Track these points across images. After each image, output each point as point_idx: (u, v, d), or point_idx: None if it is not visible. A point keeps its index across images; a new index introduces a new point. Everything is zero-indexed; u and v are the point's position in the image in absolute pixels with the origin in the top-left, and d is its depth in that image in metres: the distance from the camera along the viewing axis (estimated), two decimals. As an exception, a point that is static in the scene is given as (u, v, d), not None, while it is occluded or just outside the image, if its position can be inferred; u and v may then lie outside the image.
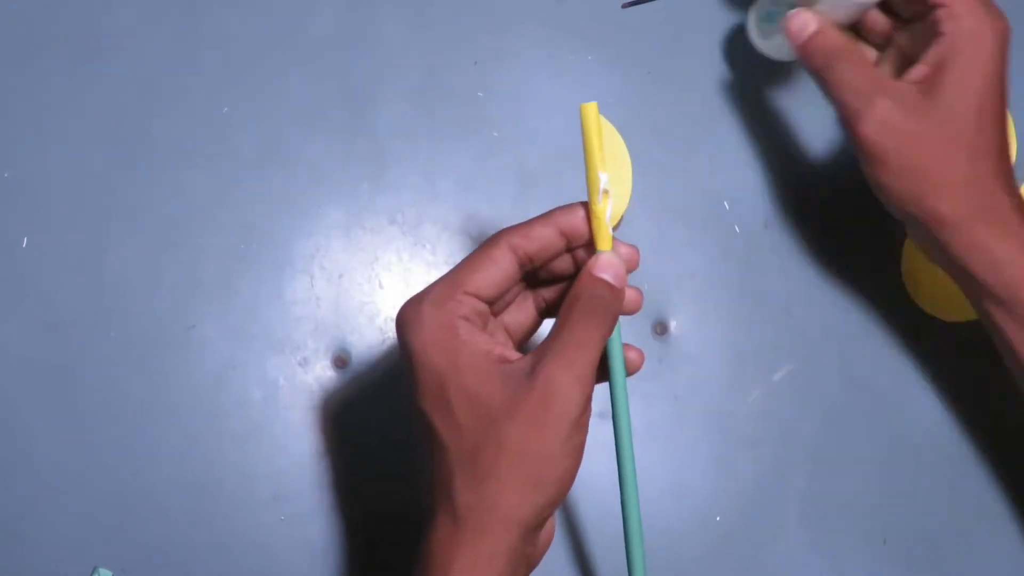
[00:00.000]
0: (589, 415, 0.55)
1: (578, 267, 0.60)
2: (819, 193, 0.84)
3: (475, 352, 0.54)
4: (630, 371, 0.60)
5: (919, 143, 0.63)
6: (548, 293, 0.62)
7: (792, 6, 0.76)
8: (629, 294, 0.59)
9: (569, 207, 0.59)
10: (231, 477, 0.77)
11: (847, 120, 0.64)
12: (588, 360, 0.54)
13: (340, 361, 0.78)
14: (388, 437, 0.77)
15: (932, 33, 0.64)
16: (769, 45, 0.83)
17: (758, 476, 0.79)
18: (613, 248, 0.58)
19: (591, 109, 0.61)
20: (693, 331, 0.81)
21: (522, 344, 0.63)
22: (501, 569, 0.54)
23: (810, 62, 0.66)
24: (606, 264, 0.57)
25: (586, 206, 0.59)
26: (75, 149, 0.80)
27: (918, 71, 0.64)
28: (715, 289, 0.81)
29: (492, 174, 0.82)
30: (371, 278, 0.80)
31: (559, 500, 0.56)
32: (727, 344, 0.81)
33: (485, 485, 0.53)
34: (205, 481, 0.77)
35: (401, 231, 0.81)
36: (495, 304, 0.59)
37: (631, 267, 0.59)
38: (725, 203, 0.83)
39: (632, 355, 0.60)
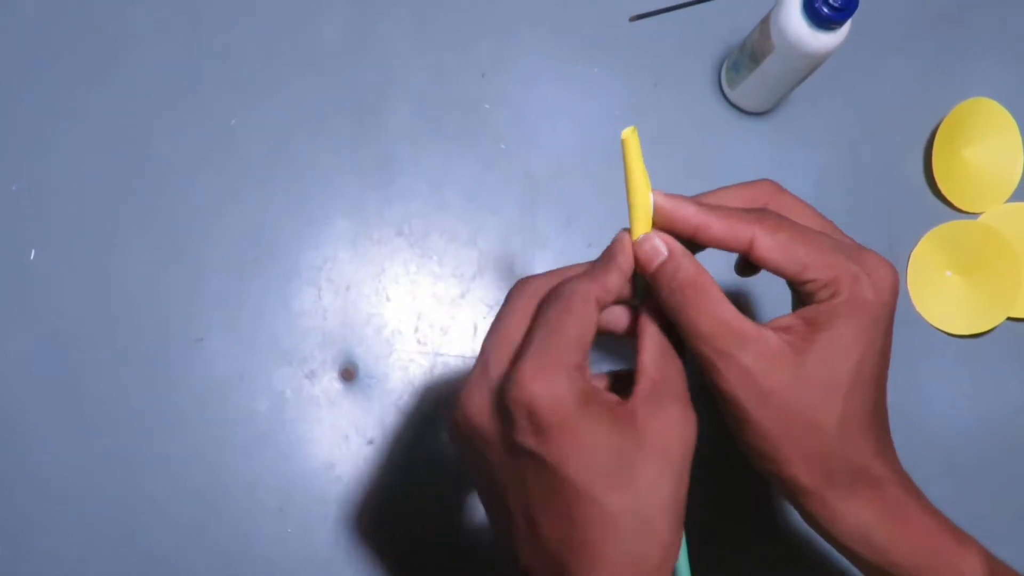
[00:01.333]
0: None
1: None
2: (825, 206, 0.84)
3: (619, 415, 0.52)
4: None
5: (783, 403, 0.53)
6: None
7: (755, 59, 0.77)
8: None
9: (621, 247, 0.56)
10: (237, 488, 0.77)
11: (704, 368, 0.54)
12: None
13: (347, 373, 0.78)
14: (395, 450, 0.77)
15: (812, 296, 0.55)
16: (734, 94, 0.84)
17: (758, 484, 0.79)
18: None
19: (632, 136, 0.57)
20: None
21: None
22: None
23: (661, 295, 0.55)
24: (655, 252, 0.55)
25: (626, 233, 0.57)
26: (82, 161, 0.80)
27: (786, 322, 0.55)
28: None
29: (499, 185, 0.82)
30: (378, 290, 0.80)
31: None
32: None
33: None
34: (211, 492, 0.77)
35: (408, 243, 0.81)
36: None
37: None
38: (732, 215, 0.83)
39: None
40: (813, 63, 0.75)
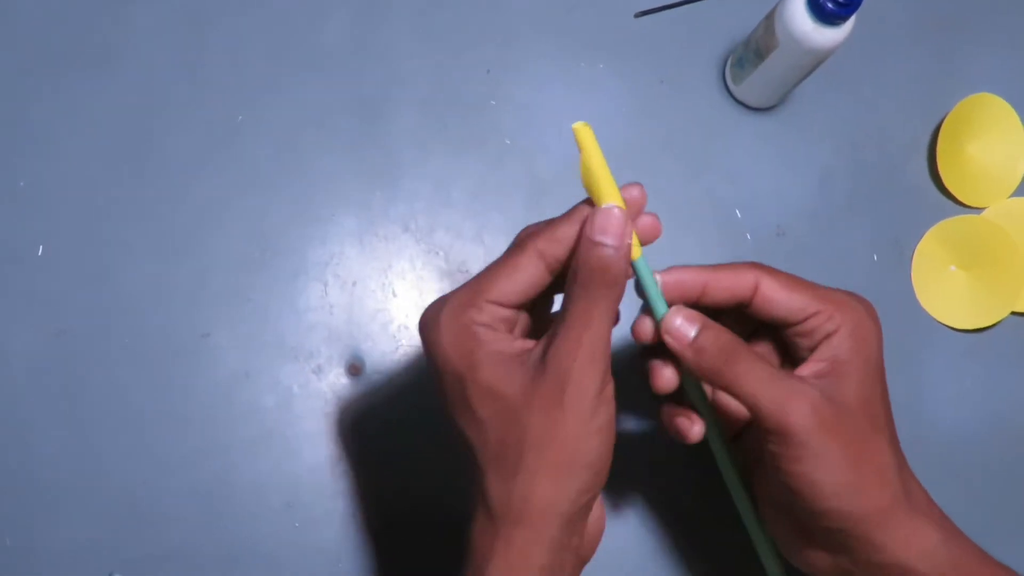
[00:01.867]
0: (610, 389, 0.54)
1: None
2: (830, 201, 0.85)
3: (492, 350, 0.54)
4: (645, 240, 0.58)
5: (843, 431, 0.55)
6: None
7: (759, 55, 0.77)
8: (644, 221, 0.57)
9: (590, 201, 0.56)
10: (244, 484, 0.77)
11: (768, 414, 0.55)
12: (596, 335, 0.53)
13: (354, 369, 0.79)
14: (402, 444, 0.78)
15: (811, 337, 0.58)
16: (738, 90, 0.84)
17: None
18: (610, 200, 0.54)
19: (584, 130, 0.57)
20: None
21: None
22: (543, 561, 0.53)
23: (706, 363, 0.56)
24: (602, 224, 0.53)
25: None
26: (89, 158, 0.80)
27: (811, 368, 0.57)
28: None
29: (504, 182, 0.82)
30: (384, 286, 0.80)
31: (595, 486, 0.55)
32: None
33: (515, 478, 0.53)
34: (218, 488, 0.77)
35: (414, 239, 0.81)
36: (535, 308, 0.58)
37: (637, 210, 0.57)
38: (737, 211, 0.83)
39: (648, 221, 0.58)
40: (817, 59, 0.75)
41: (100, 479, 0.76)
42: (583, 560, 0.58)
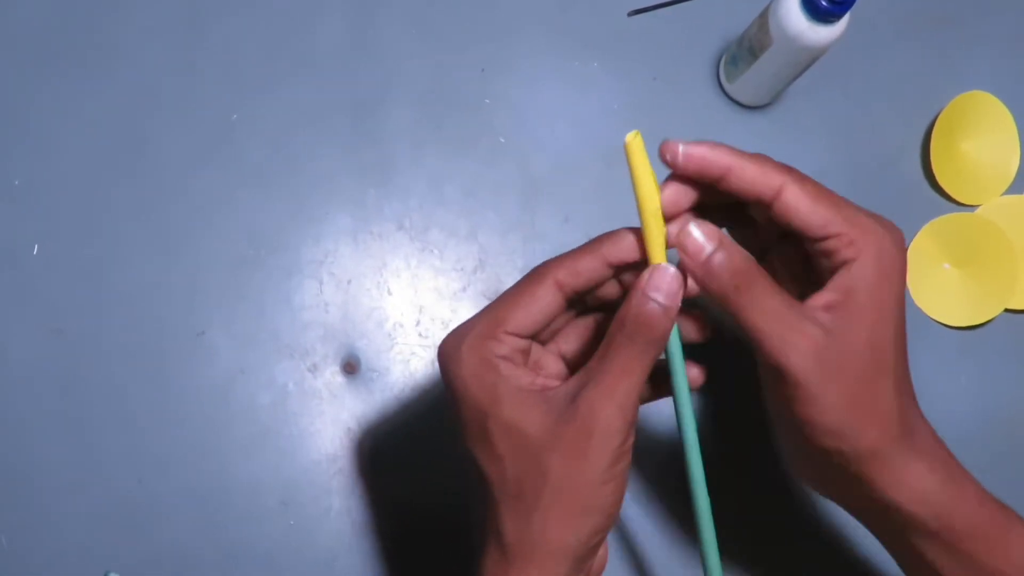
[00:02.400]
0: (632, 441, 0.54)
1: (624, 291, 0.57)
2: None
3: (514, 385, 0.53)
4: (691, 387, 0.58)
5: (844, 373, 0.54)
6: (601, 316, 0.60)
7: (753, 53, 0.77)
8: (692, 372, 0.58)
9: (615, 235, 0.56)
10: (239, 482, 0.77)
11: (769, 351, 0.54)
12: (631, 387, 0.52)
13: (349, 367, 0.79)
14: (397, 443, 0.78)
15: (831, 258, 0.55)
16: (732, 88, 0.84)
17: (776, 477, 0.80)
18: (666, 262, 0.54)
19: (636, 140, 0.56)
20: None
21: (579, 365, 0.59)
22: None
23: (714, 285, 0.54)
24: (657, 281, 0.53)
25: (634, 231, 0.56)
26: (84, 157, 0.80)
27: (824, 298, 0.55)
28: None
29: (499, 180, 0.83)
30: (379, 284, 0.80)
31: (606, 528, 0.55)
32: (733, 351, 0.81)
33: (530, 517, 0.53)
34: (213, 486, 0.77)
35: (409, 237, 0.81)
36: (541, 334, 0.58)
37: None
38: (731, 209, 0.83)
39: (693, 372, 0.58)
40: (811, 56, 0.75)
41: (96, 478, 0.76)
42: None
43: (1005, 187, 0.86)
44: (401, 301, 0.80)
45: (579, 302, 0.59)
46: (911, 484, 0.56)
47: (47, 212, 0.79)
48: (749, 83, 0.82)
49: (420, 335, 0.79)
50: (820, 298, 0.55)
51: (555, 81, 0.85)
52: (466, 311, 0.80)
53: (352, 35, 0.84)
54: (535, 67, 0.85)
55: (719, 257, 0.54)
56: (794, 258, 0.60)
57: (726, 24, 0.86)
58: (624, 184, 0.83)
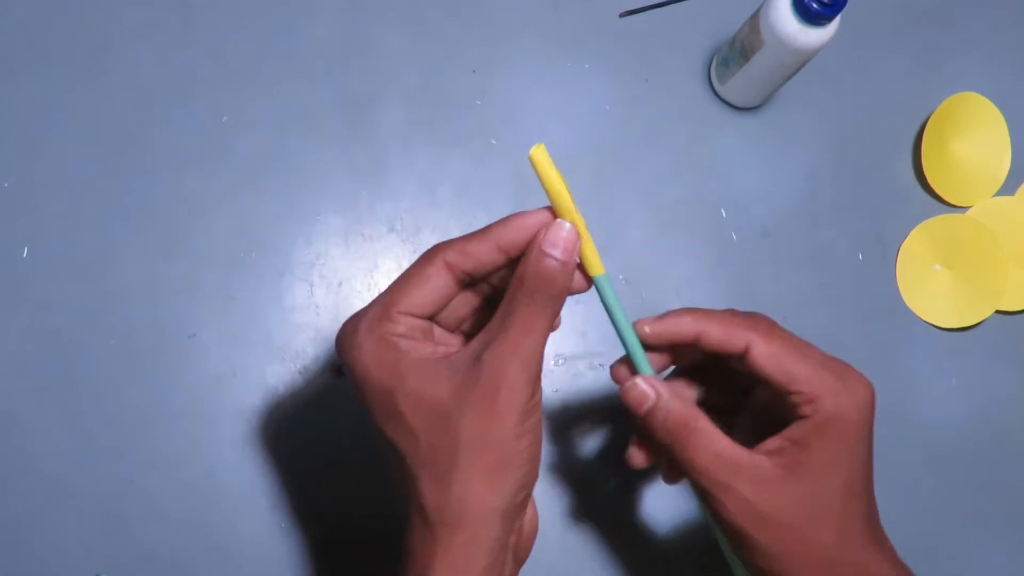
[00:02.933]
0: (540, 396, 0.54)
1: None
2: (815, 200, 0.85)
3: (415, 357, 0.54)
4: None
5: (783, 525, 0.56)
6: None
7: (745, 55, 0.77)
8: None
9: (507, 219, 0.56)
10: (231, 484, 0.77)
11: (704, 502, 0.58)
12: (534, 343, 0.53)
13: (339, 369, 0.78)
14: (388, 444, 0.78)
15: (793, 409, 0.57)
16: (724, 90, 0.84)
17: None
18: (566, 218, 0.55)
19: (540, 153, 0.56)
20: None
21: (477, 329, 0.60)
22: (484, 562, 0.53)
23: (655, 435, 0.59)
24: (554, 237, 0.53)
25: (530, 214, 0.56)
26: (75, 159, 0.80)
27: (774, 444, 0.57)
28: (712, 297, 0.82)
29: (490, 181, 0.82)
30: (371, 286, 0.80)
31: (528, 484, 0.55)
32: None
33: (449, 482, 0.53)
34: (205, 488, 0.77)
35: (400, 238, 0.81)
36: (445, 319, 0.59)
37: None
38: (722, 211, 0.83)
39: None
40: (802, 59, 0.76)
41: (87, 478, 0.76)
42: (520, 561, 0.58)
43: (996, 189, 0.86)
44: (392, 303, 0.80)
45: (480, 286, 0.59)
46: None
47: (38, 214, 0.79)
48: (740, 84, 0.82)
49: (411, 337, 0.79)
50: (770, 443, 0.57)
51: (547, 82, 0.85)
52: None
53: (344, 36, 0.84)
54: (527, 68, 0.85)
55: (659, 413, 0.58)
56: (759, 409, 0.64)
57: (717, 26, 0.86)
58: (616, 186, 0.84)
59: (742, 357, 0.58)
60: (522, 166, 0.82)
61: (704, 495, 0.57)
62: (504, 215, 0.80)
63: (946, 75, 0.89)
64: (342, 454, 0.78)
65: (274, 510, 0.77)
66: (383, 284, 0.80)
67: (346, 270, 0.80)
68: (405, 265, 0.79)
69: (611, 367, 0.62)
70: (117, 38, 0.82)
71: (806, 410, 0.56)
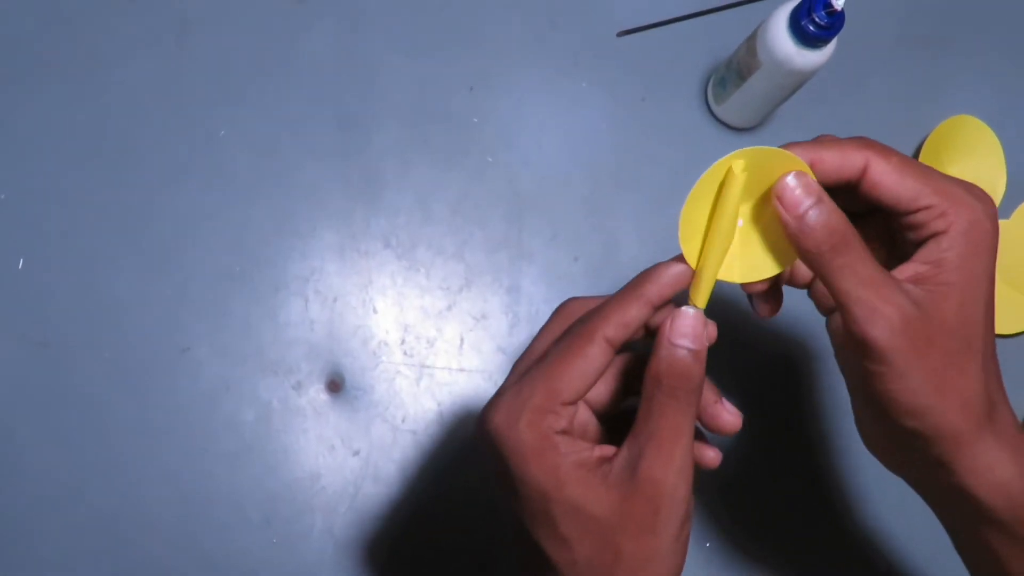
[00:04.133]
0: (692, 500, 0.52)
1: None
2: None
3: (574, 463, 0.51)
4: (707, 466, 0.57)
5: (932, 349, 0.52)
6: (626, 356, 0.58)
7: (741, 76, 0.77)
8: (730, 419, 0.55)
9: (653, 276, 0.53)
10: (223, 498, 0.77)
11: (855, 319, 0.52)
12: (685, 448, 0.50)
13: (333, 385, 0.78)
14: (380, 462, 0.78)
15: (920, 231, 0.53)
16: (720, 110, 0.84)
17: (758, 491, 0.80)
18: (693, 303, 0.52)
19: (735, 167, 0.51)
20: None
21: (607, 414, 0.58)
22: None
23: (808, 243, 0.51)
24: (681, 327, 0.51)
25: (671, 264, 0.53)
26: (70, 171, 0.80)
27: (913, 270, 0.53)
28: (711, 315, 0.81)
29: (486, 198, 0.83)
30: (365, 302, 0.80)
31: None
32: (721, 369, 0.81)
33: None
34: (197, 502, 0.77)
35: (396, 255, 0.81)
36: None
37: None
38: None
39: (709, 454, 0.56)
40: (799, 80, 0.76)
41: (80, 492, 0.76)
42: None
43: (991, 211, 0.86)
44: (386, 319, 0.80)
45: None
46: (990, 472, 0.54)
47: (33, 227, 0.79)
48: (737, 105, 0.82)
49: (405, 354, 0.79)
50: (907, 269, 0.53)
51: (544, 100, 0.85)
52: (451, 330, 0.80)
53: (341, 51, 0.84)
54: (524, 85, 0.85)
55: (816, 213, 0.51)
56: (877, 233, 0.59)
57: (715, 46, 0.86)
58: (612, 204, 0.84)
59: (857, 184, 0.53)
60: (518, 184, 0.82)
61: (857, 308, 0.51)
62: (500, 232, 0.81)
63: (942, 98, 0.89)
64: (334, 471, 0.77)
65: (266, 524, 0.77)
66: (379, 301, 0.80)
67: (341, 286, 0.80)
68: (400, 282, 0.80)
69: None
70: (114, 51, 0.82)
71: (939, 224, 0.52)
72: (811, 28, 0.71)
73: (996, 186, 0.87)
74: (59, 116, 0.81)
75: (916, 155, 0.86)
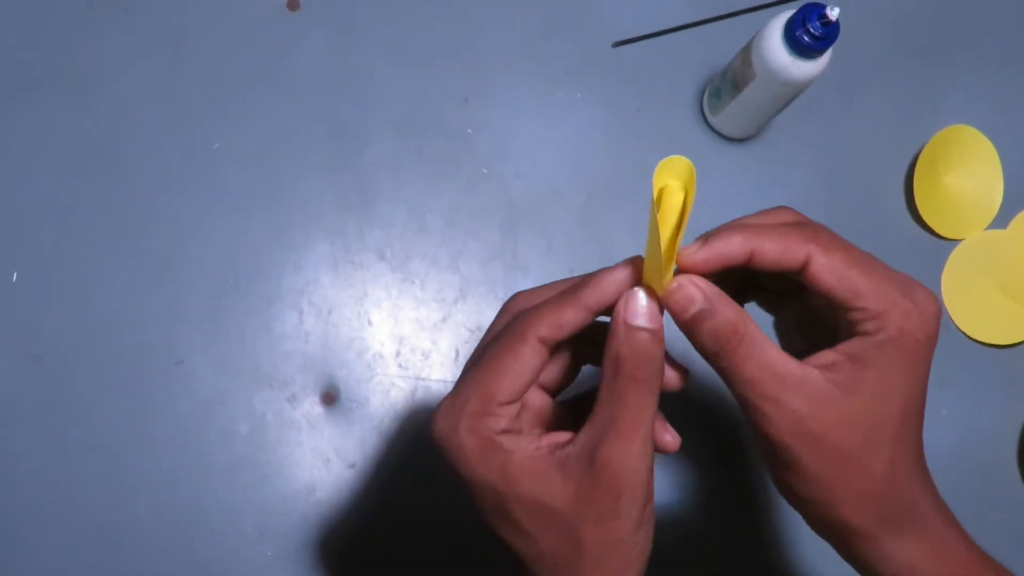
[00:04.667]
0: (653, 481, 0.52)
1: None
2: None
3: (523, 458, 0.51)
4: (666, 450, 0.56)
5: (834, 446, 0.51)
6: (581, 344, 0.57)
7: (736, 87, 0.77)
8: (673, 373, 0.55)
9: (595, 279, 0.53)
10: (217, 511, 0.77)
11: (749, 415, 0.52)
12: (646, 431, 0.50)
13: (328, 397, 0.78)
14: (375, 475, 0.77)
15: (851, 325, 0.52)
16: (716, 120, 0.84)
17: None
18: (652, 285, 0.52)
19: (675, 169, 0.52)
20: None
21: (560, 391, 0.59)
22: None
23: (700, 344, 0.52)
24: (634, 307, 0.51)
25: (612, 270, 0.53)
26: (65, 185, 0.80)
27: (827, 358, 0.52)
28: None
29: (480, 210, 0.82)
30: (360, 314, 0.80)
31: (644, 569, 0.53)
32: (706, 389, 0.81)
33: None
34: (192, 514, 0.77)
35: (390, 267, 0.81)
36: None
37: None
38: (713, 241, 0.83)
39: (667, 438, 0.56)
40: (794, 91, 0.76)
41: (73, 504, 0.76)
42: None
43: (988, 221, 0.86)
44: (381, 332, 0.80)
45: None
46: (895, 561, 0.54)
47: (27, 240, 0.79)
48: (732, 116, 0.82)
49: (400, 366, 0.79)
50: (823, 357, 0.52)
51: (538, 111, 0.85)
52: (446, 342, 0.80)
53: (335, 64, 0.84)
54: (518, 96, 0.85)
55: (705, 317, 0.51)
56: (803, 309, 0.58)
57: (709, 57, 0.86)
58: (606, 215, 0.83)
59: (800, 272, 0.52)
60: (511, 195, 0.82)
61: (749, 408, 0.51)
62: (494, 243, 0.81)
63: (938, 108, 0.89)
64: (328, 483, 0.77)
65: (261, 537, 0.76)
66: (373, 313, 0.79)
67: (335, 298, 0.80)
68: (395, 294, 0.80)
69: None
70: (108, 64, 0.82)
71: (869, 327, 0.51)
72: (806, 39, 0.71)
73: (993, 196, 0.87)
74: (53, 129, 0.81)
75: (913, 165, 0.86)
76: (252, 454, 0.78)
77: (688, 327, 0.52)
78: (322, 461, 0.78)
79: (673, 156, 0.51)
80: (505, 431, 0.52)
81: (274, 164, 0.82)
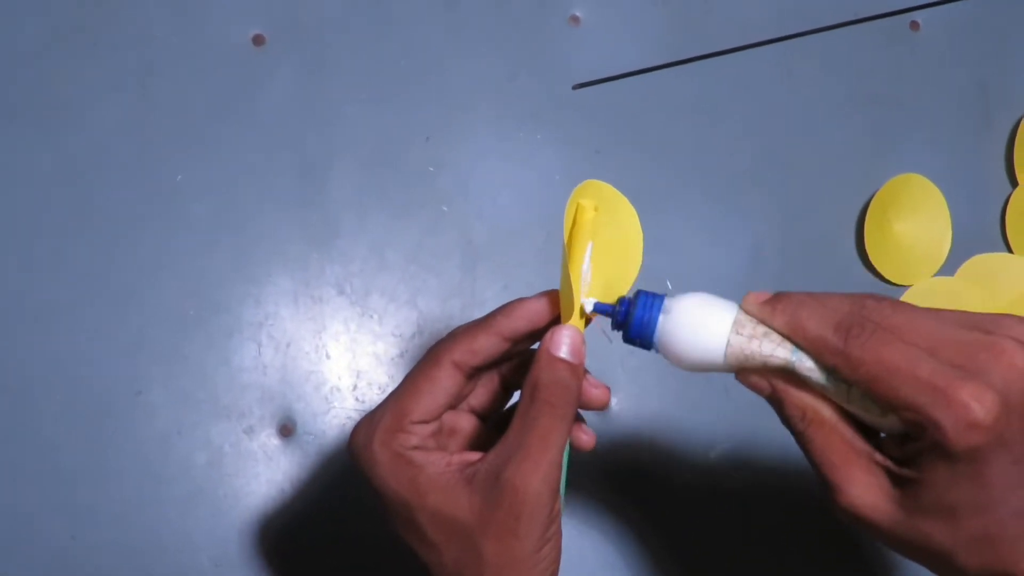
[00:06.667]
0: (559, 505, 0.55)
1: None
2: (760, 278, 0.86)
3: (433, 472, 0.54)
4: (582, 449, 0.60)
5: (891, 542, 0.51)
6: (504, 367, 0.61)
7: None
8: (597, 392, 0.58)
9: (509, 308, 0.57)
10: (173, 543, 0.77)
11: (820, 489, 0.53)
12: (553, 457, 0.53)
13: (285, 430, 0.79)
14: (331, 506, 0.78)
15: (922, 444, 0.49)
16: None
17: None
18: (574, 320, 0.56)
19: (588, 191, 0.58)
20: (632, 408, 0.82)
21: (491, 415, 0.62)
22: None
23: (779, 415, 0.55)
24: (559, 340, 0.55)
25: (530, 300, 0.57)
26: (26, 214, 0.80)
27: (901, 451, 0.51)
28: (660, 374, 0.83)
29: (440, 247, 0.83)
30: (318, 347, 0.81)
31: None
32: (670, 418, 0.82)
33: None
34: (147, 546, 0.77)
35: (349, 301, 0.82)
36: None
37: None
38: (668, 283, 0.84)
39: (584, 437, 0.60)
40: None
41: (29, 534, 0.76)
42: None
43: (936, 268, 0.88)
44: (339, 365, 0.80)
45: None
46: None
47: (-12, 268, 0.79)
48: None
49: (357, 399, 0.80)
50: (900, 449, 0.51)
51: (499, 151, 0.86)
52: (403, 376, 0.80)
53: (300, 100, 0.85)
54: (480, 136, 0.86)
55: (784, 395, 0.54)
56: None
57: (672, 98, 0.87)
58: (562, 254, 0.84)
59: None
60: (472, 234, 0.83)
61: (820, 479, 0.52)
62: (454, 280, 0.82)
63: (891, 156, 0.91)
64: (285, 515, 0.78)
65: (216, 570, 0.77)
66: (331, 346, 0.80)
67: (295, 331, 0.81)
68: (354, 328, 0.80)
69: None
70: (74, 96, 0.82)
71: (916, 432, 0.49)
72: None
73: (941, 244, 0.88)
74: (15, 160, 0.81)
75: (864, 212, 0.88)
76: (208, 485, 0.78)
77: (769, 401, 0.56)
78: (278, 492, 0.78)
79: (589, 180, 0.57)
80: (417, 447, 0.55)
81: (238, 198, 0.82)
